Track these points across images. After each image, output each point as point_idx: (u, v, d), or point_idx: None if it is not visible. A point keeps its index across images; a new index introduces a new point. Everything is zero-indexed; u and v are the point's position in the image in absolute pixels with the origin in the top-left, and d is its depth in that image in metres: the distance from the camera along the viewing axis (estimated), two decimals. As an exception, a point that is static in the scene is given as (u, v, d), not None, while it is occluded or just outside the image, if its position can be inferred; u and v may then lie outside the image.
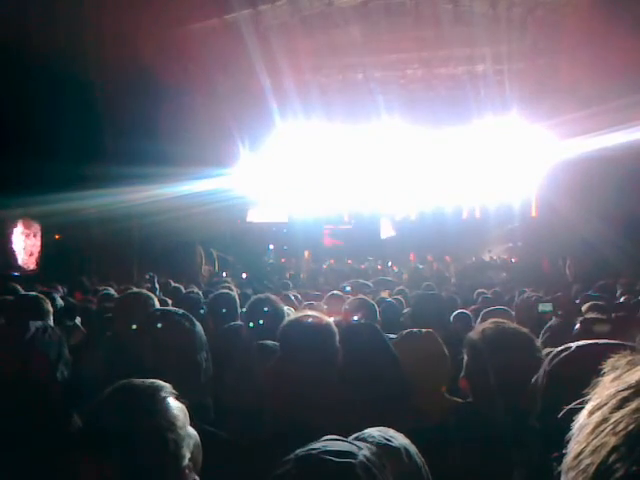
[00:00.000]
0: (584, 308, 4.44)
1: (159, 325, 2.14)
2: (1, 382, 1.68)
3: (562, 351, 1.34)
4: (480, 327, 2.03)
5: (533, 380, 1.40)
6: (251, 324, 3.01)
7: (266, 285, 11.35)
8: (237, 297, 4.08)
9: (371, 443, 1.11)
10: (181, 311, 2.28)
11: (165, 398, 1.30)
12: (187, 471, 1.27)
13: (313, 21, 15.99)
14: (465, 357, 1.98)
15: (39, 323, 1.96)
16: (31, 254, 13.38)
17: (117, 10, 11.26)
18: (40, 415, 1.66)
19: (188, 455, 1.28)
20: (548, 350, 1.58)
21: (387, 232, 22.41)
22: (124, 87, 11.95)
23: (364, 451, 1.02)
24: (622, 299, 6.58)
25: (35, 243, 13.47)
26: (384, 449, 1.10)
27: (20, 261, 13.16)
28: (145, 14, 11.16)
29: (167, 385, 1.34)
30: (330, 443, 1.04)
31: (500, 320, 2.09)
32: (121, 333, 2.75)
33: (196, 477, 1.31)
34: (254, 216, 20.37)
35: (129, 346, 2.24)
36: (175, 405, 1.30)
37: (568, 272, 15.03)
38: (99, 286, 8.92)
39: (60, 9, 10.40)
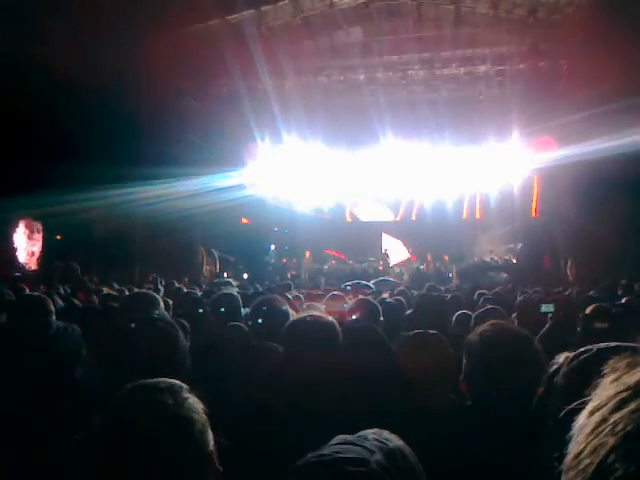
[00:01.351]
0: (588, 310, 4.42)
1: (142, 333, 2.15)
2: (20, 380, 1.70)
3: (582, 353, 1.32)
4: (478, 329, 1.99)
5: (542, 383, 1.38)
6: (250, 323, 3.02)
7: (268, 285, 11.35)
8: (240, 297, 4.09)
9: (378, 444, 1.09)
10: (167, 319, 2.29)
11: (187, 399, 1.30)
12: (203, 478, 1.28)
13: (315, 22, 16.00)
14: (464, 359, 1.94)
15: (60, 322, 1.97)
16: (32, 254, 13.39)
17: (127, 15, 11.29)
18: (59, 412, 1.67)
19: (206, 456, 1.28)
20: (566, 354, 1.54)
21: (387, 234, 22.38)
22: (125, 89, 11.95)
23: (377, 456, 0.99)
24: (623, 300, 6.57)
25: (37, 243, 13.46)
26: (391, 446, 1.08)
27: (22, 261, 13.16)
28: (147, 16, 11.17)
29: (185, 386, 1.34)
30: (341, 448, 1.00)
31: (498, 322, 2.05)
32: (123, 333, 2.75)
33: None
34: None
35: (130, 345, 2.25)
36: (196, 406, 1.30)
37: (569, 273, 15.02)
38: (101, 286, 8.94)
39: (71, 15, 10.41)
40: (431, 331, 2.58)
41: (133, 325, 2.26)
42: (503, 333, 1.89)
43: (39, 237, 13.44)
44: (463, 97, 17.65)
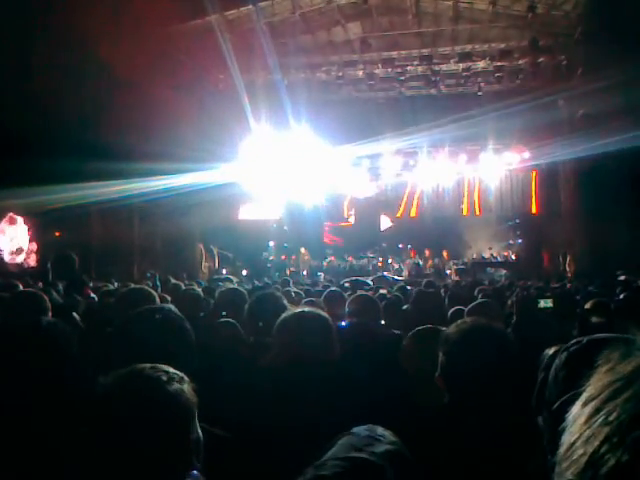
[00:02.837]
0: (587, 305, 4.42)
1: (150, 322, 2.15)
2: (12, 378, 1.69)
3: (572, 345, 1.31)
4: (454, 324, 1.97)
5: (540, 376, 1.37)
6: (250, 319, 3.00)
7: (266, 282, 11.34)
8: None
9: (387, 448, 1.05)
10: (172, 309, 2.28)
11: (176, 385, 1.31)
12: (189, 465, 1.28)
13: (313, 18, 15.99)
14: (440, 355, 1.92)
15: (51, 319, 1.96)
16: (30, 251, 13.36)
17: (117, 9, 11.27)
18: (50, 409, 1.67)
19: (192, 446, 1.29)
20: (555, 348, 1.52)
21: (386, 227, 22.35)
22: (121, 85, 11.93)
23: (388, 473, 0.94)
24: (621, 296, 6.58)
25: (33, 240, 13.42)
26: (401, 456, 1.05)
27: (18, 258, 13.13)
28: (143, 12, 11.13)
29: (184, 376, 1.35)
30: (345, 465, 0.93)
31: (475, 317, 2.05)
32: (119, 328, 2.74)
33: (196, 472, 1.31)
34: (246, 213, 20.66)
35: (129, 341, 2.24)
36: (185, 394, 1.31)
37: (568, 269, 15.04)
38: (99, 283, 8.92)
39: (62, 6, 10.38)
40: (431, 327, 2.56)
41: (141, 314, 2.26)
42: (478, 327, 1.88)
43: (36, 234, 13.38)
44: (462, 93, 17.63)
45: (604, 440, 0.52)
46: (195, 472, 1.31)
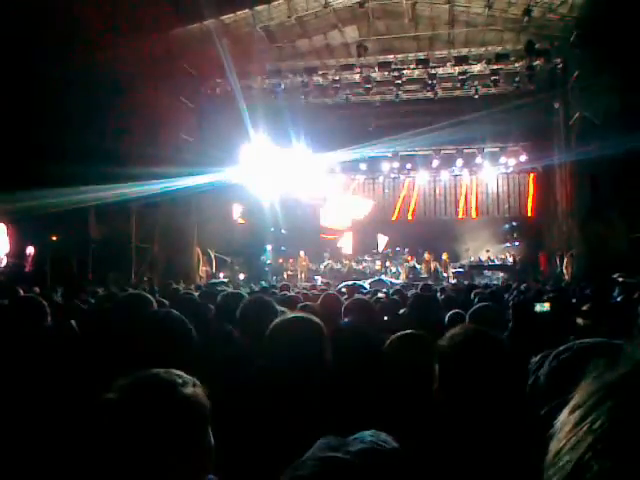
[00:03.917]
0: (584, 308, 4.42)
1: (159, 326, 2.15)
2: (12, 381, 1.70)
3: (563, 352, 1.31)
4: (448, 334, 1.92)
5: (530, 381, 1.37)
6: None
7: (263, 286, 11.33)
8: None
9: (362, 447, 1.06)
10: (177, 315, 2.29)
11: (191, 390, 1.30)
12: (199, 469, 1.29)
13: (309, 22, 16.02)
14: (436, 366, 1.86)
15: (49, 323, 1.97)
16: (27, 255, 13.30)
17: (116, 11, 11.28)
18: (50, 410, 1.68)
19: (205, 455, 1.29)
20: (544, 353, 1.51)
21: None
22: (120, 90, 11.92)
23: (359, 471, 0.95)
24: (619, 299, 6.58)
25: (29, 244, 13.35)
26: (375, 453, 1.05)
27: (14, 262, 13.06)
28: (141, 16, 11.14)
29: (196, 381, 1.34)
30: (318, 465, 0.94)
31: (469, 325, 2.04)
32: (119, 334, 2.75)
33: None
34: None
35: (127, 346, 2.25)
36: (200, 400, 1.30)
37: (565, 271, 15.06)
38: (97, 288, 8.91)
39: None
40: (417, 332, 2.53)
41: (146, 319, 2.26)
42: (473, 336, 1.86)
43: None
44: (458, 96, 17.65)
45: (588, 447, 0.53)
46: (212, 476, 1.31)
